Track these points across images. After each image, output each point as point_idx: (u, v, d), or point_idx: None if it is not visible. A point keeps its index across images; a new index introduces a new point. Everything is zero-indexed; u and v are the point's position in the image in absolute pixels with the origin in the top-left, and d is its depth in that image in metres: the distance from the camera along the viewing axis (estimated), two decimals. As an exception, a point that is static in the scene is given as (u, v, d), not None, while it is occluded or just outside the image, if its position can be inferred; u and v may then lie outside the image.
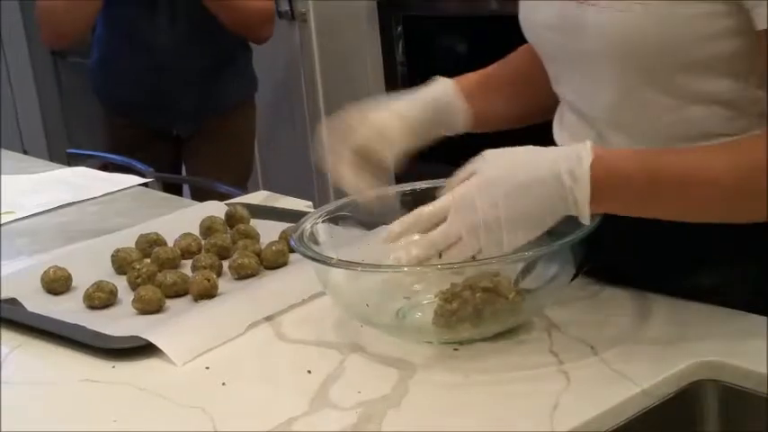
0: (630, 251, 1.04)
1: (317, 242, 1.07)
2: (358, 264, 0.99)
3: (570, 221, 1.00)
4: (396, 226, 0.94)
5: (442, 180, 1.01)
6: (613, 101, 0.97)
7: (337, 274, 0.99)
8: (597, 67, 0.95)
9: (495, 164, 0.91)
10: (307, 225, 1.07)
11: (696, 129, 0.94)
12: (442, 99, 1.12)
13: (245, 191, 1.92)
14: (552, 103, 1.10)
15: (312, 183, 2.99)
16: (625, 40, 0.91)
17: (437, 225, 0.92)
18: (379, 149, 1.06)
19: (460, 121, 1.13)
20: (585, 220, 0.91)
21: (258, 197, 1.59)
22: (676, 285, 1.01)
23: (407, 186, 1.12)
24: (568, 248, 0.96)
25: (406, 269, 0.94)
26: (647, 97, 0.94)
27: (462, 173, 0.94)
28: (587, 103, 1.01)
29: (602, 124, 1.00)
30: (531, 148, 0.93)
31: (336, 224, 1.13)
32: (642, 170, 0.89)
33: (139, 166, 2.06)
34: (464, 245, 0.91)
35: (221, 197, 1.63)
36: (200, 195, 1.89)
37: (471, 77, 1.16)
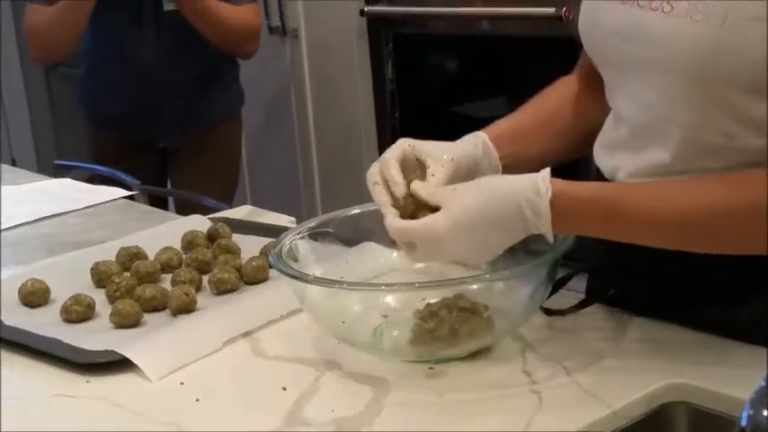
0: (637, 277, 1.04)
1: (296, 258, 1.08)
2: (335, 281, 0.99)
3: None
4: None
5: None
6: (670, 113, 0.93)
7: (314, 292, 1.00)
8: (660, 77, 0.92)
9: (462, 199, 0.92)
10: (286, 241, 1.08)
11: (740, 157, 0.91)
12: (475, 154, 1.07)
13: (231, 205, 1.92)
14: (583, 141, 1.10)
15: (300, 198, 2.99)
16: (696, 53, 0.88)
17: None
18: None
19: (491, 171, 1.09)
20: (551, 240, 0.92)
21: (242, 212, 1.59)
22: (683, 315, 1.01)
23: None
24: (544, 267, 0.97)
25: (383, 287, 0.94)
26: (705, 113, 0.91)
27: (434, 195, 0.94)
28: (640, 113, 0.97)
29: (650, 136, 0.96)
30: (495, 182, 0.93)
31: (317, 240, 1.13)
32: (608, 198, 0.90)
33: (125, 178, 2.06)
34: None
35: (206, 211, 1.63)
36: (185, 209, 1.89)
37: (503, 125, 1.12)
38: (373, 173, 1.00)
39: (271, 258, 1.03)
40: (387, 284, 0.94)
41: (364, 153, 2.74)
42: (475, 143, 1.05)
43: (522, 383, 0.94)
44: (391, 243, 1.17)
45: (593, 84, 1.08)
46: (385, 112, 2.71)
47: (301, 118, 2.96)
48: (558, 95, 1.15)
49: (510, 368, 0.97)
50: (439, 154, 1.00)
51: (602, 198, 0.91)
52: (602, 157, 1.06)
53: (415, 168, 0.99)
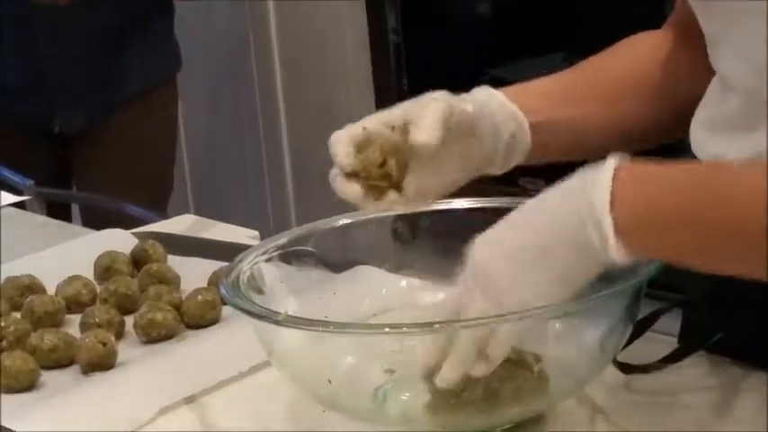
0: (757, 312, 1.04)
1: (260, 290, 1.08)
2: (317, 322, 1.00)
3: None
4: None
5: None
6: None
7: (288, 337, 1.00)
8: None
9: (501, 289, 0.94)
10: (245, 265, 1.08)
11: None
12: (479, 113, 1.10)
13: (164, 215, 1.93)
14: (674, 116, 1.12)
15: (265, 205, 3.00)
16: None
17: None
18: None
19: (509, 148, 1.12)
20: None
21: (181, 224, 1.60)
22: None
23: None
24: (621, 300, 0.98)
25: (387, 330, 0.95)
26: None
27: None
28: (755, 76, 0.98)
29: None
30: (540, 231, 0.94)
31: (290, 263, 1.14)
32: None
33: (14, 177, 2.07)
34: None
35: (129, 223, 1.64)
36: (97, 220, 1.89)
37: (535, 85, 1.16)
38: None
39: (223, 290, 1.04)
40: (392, 325, 0.94)
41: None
42: (480, 99, 1.08)
43: (590, 467, 0.95)
44: (397, 266, 1.19)
45: (692, 41, 1.09)
46: (386, 78, 2.72)
47: (266, 90, 2.97)
48: (633, 51, 1.17)
49: (573, 446, 0.98)
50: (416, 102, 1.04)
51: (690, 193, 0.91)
52: (701, 139, 1.07)
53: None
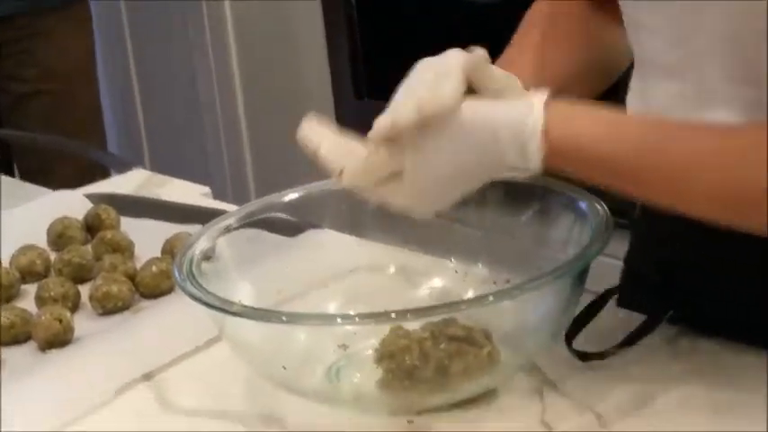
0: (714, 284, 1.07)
1: (214, 266, 1.09)
2: (273, 313, 1.00)
3: (570, 239, 1.04)
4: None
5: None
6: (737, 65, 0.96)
7: (241, 325, 1.01)
8: None
9: (430, 166, 0.96)
10: (197, 248, 1.08)
11: None
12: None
13: (120, 161, 1.91)
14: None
15: (219, 157, 2.97)
16: None
17: None
18: None
19: None
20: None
21: (134, 179, 1.60)
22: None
23: None
24: (566, 279, 0.99)
25: (339, 320, 0.96)
26: None
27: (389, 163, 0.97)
28: (686, 52, 1.00)
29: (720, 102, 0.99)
30: (471, 132, 0.96)
31: (244, 236, 1.15)
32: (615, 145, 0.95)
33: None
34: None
35: (76, 177, 1.63)
36: (36, 173, 1.89)
37: None
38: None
39: (176, 275, 1.04)
40: (344, 316, 0.95)
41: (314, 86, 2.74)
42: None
43: (539, 442, 0.97)
44: (351, 227, 1.20)
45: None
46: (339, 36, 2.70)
47: (216, 26, 2.94)
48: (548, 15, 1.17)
49: (523, 418, 1.00)
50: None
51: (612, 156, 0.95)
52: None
53: None
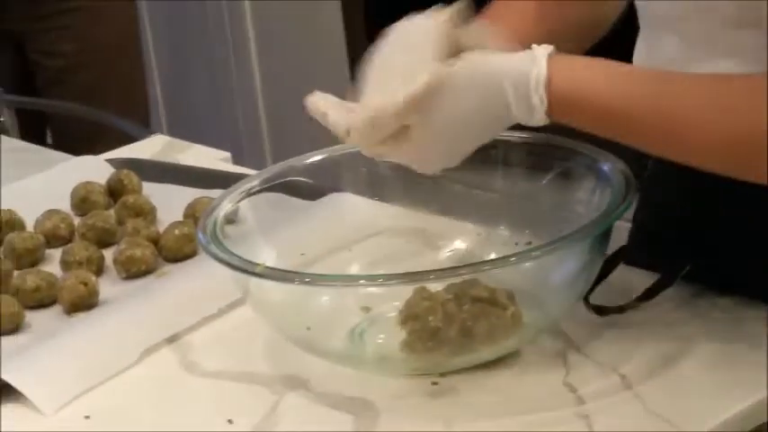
0: (728, 240, 1.07)
1: (237, 228, 1.10)
2: (296, 274, 1.01)
3: (592, 201, 1.04)
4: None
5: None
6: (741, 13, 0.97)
7: (264, 286, 1.02)
8: None
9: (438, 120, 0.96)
10: (221, 210, 1.09)
11: None
12: None
13: (147, 129, 1.91)
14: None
15: (237, 122, 2.97)
16: None
17: None
18: None
19: None
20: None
21: (154, 145, 1.60)
22: None
23: None
24: (589, 240, 1.00)
25: (362, 282, 0.97)
26: None
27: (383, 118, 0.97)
28: (690, 3, 1.00)
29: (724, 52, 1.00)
30: (476, 83, 0.97)
31: (266, 199, 1.15)
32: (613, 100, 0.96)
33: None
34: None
35: (104, 144, 1.63)
36: (70, 141, 1.89)
37: None
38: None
39: (200, 237, 1.05)
40: (367, 277, 0.96)
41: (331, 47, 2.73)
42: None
43: (563, 403, 0.97)
44: (372, 190, 1.20)
45: None
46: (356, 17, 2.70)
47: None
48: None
49: (546, 381, 1.00)
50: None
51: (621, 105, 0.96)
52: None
53: None
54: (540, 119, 0.97)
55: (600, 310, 1.05)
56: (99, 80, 2.36)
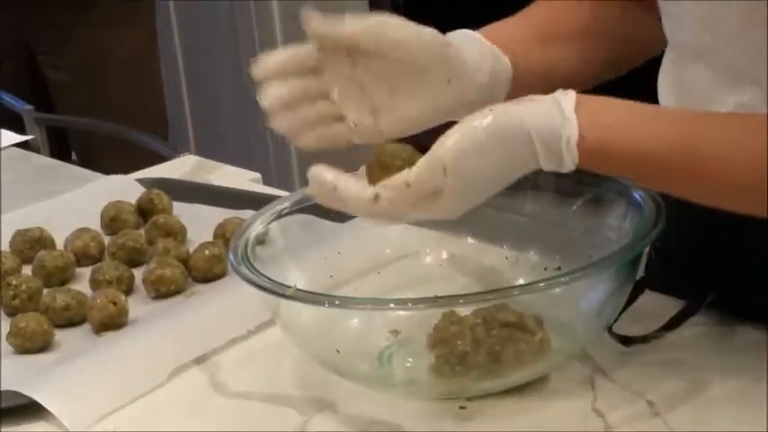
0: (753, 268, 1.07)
1: (267, 250, 1.10)
2: (326, 297, 1.01)
3: (622, 227, 1.03)
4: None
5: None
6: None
7: (294, 308, 1.02)
8: None
9: (465, 182, 0.96)
10: (251, 231, 1.09)
11: None
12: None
13: (173, 148, 1.92)
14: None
15: (263, 142, 2.98)
16: None
17: None
18: None
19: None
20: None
21: (184, 165, 1.61)
22: None
23: None
24: (619, 266, 1.00)
25: (392, 305, 0.97)
26: None
27: (421, 194, 0.96)
28: (716, 34, 1.00)
29: (750, 83, 1.00)
30: (502, 139, 0.96)
31: (296, 221, 1.15)
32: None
33: (10, 100, 2.06)
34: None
35: (131, 162, 1.64)
36: (96, 160, 1.89)
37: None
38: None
39: (231, 258, 1.05)
40: (397, 300, 0.96)
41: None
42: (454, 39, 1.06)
43: (591, 429, 0.97)
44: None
45: None
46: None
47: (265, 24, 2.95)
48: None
49: (574, 406, 1.00)
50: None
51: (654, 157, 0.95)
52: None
53: None
54: (567, 170, 0.96)
55: (625, 341, 1.05)
56: (109, 97, 2.37)
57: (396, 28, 1.01)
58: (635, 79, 1.18)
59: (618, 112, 0.97)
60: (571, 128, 0.94)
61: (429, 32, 1.02)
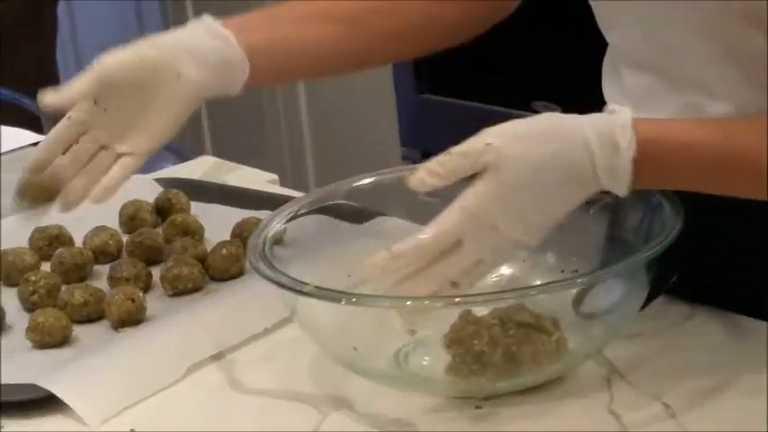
0: (741, 259, 1.08)
1: (285, 248, 1.11)
2: (344, 294, 1.01)
3: (640, 228, 1.04)
4: (382, 260, 0.98)
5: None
6: (710, 51, 1.00)
7: (312, 306, 1.02)
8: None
9: (517, 163, 0.95)
10: (269, 230, 1.10)
11: None
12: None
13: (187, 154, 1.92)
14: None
15: (280, 143, 2.98)
16: None
17: (444, 252, 0.96)
18: None
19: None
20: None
21: (201, 166, 1.61)
22: None
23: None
24: (636, 270, 1.00)
25: (409, 303, 0.97)
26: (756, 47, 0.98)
27: (465, 164, 0.97)
28: (663, 53, 1.03)
29: (692, 87, 1.03)
30: (555, 129, 0.97)
31: (314, 221, 1.16)
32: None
33: (28, 101, 2.06)
34: (485, 266, 0.98)
35: (149, 162, 1.64)
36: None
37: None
38: None
39: (249, 256, 1.06)
40: (414, 298, 0.96)
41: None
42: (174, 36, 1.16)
43: (608, 429, 0.97)
44: (417, 215, 1.20)
45: None
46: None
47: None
48: None
49: (590, 407, 1.00)
50: None
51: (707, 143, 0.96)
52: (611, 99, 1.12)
53: None
54: (624, 160, 0.95)
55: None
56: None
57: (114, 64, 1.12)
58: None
59: (668, 133, 0.98)
60: (624, 114, 0.95)
61: (136, 53, 1.13)
